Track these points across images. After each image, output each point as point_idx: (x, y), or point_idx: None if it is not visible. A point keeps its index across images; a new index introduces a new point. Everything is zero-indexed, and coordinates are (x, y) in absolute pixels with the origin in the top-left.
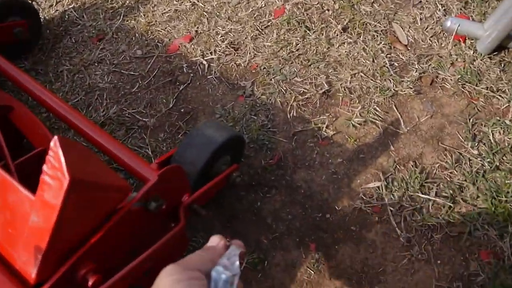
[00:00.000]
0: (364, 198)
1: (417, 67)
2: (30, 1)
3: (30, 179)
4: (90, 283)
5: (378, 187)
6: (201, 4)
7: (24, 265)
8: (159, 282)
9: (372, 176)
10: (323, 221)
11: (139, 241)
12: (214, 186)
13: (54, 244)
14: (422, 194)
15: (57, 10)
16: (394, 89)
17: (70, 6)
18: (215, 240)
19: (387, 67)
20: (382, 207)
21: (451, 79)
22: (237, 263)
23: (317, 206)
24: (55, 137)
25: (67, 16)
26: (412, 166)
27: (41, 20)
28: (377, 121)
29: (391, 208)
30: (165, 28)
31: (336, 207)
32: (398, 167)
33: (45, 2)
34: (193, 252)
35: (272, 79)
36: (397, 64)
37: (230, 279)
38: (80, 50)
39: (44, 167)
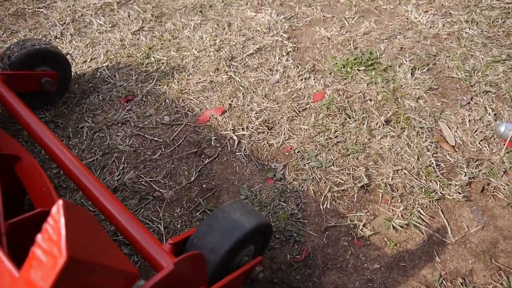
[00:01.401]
0: None
1: (466, 171)
2: (65, 55)
3: (23, 245)
4: None
5: None
6: (238, 79)
7: None
8: None
9: None
10: None
11: None
12: (234, 280)
13: None
14: None
15: (90, 66)
16: (441, 192)
17: (104, 64)
18: None
19: (433, 167)
20: None
21: (504, 188)
22: None
23: None
24: (60, 202)
25: (99, 74)
26: (461, 284)
27: (72, 74)
28: (421, 226)
29: None
30: (198, 97)
31: None
32: (444, 283)
33: (80, 57)
34: None
35: (306, 165)
36: (444, 165)
37: None
38: (106, 109)
39: (38, 238)
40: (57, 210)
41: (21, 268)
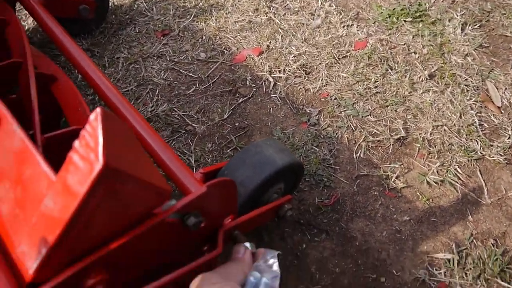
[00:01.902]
0: (430, 269)
1: (510, 133)
2: None
3: (55, 161)
4: None
5: (449, 260)
6: (277, 21)
7: (23, 256)
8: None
9: (442, 246)
10: (376, 285)
11: (162, 259)
12: (262, 214)
13: (65, 240)
14: (502, 281)
15: None
16: (481, 152)
17: None
18: (240, 251)
19: (475, 126)
20: (450, 285)
21: None
22: (276, 264)
23: (371, 265)
24: (98, 109)
25: (136, 6)
26: (493, 245)
27: (110, 4)
28: (457, 184)
29: None
30: (235, 36)
31: (394, 272)
32: (475, 242)
33: None
34: (224, 263)
35: (342, 113)
36: (487, 126)
37: (271, 283)
38: (142, 41)
39: (76, 143)
40: (95, 117)
41: (58, 172)
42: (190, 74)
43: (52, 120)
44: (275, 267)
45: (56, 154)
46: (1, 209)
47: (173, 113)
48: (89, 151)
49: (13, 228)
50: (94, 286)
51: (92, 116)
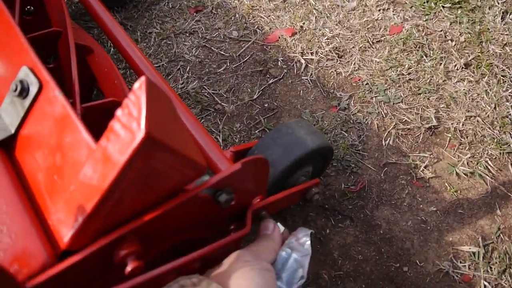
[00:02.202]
0: (454, 261)
1: None
2: None
3: (92, 131)
4: (129, 268)
5: (474, 253)
6: (312, 1)
7: (59, 223)
8: (234, 264)
9: (468, 238)
10: (398, 274)
11: (191, 235)
12: (290, 196)
13: (103, 209)
14: None
15: None
16: None
17: None
18: (269, 227)
19: (509, 119)
20: (474, 278)
21: None
22: (308, 242)
23: (395, 254)
24: (142, 78)
25: None
26: None
27: None
28: (487, 177)
29: (486, 283)
30: (268, 16)
31: (418, 262)
32: (502, 236)
33: None
34: (256, 241)
35: (374, 98)
36: None
37: (301, 260)
38: (175, 17)
39: (118, 112)
40: (140, 85)
41: (98, 140)
42: (222, 52)
43: (85, 92)
44: (307, 245)
45: (92, 125)
46: (40, 176)
47: (203, 91)
48: (131, 120)
49: (50, 194)
50: (126, 256)
51: (136, 85)
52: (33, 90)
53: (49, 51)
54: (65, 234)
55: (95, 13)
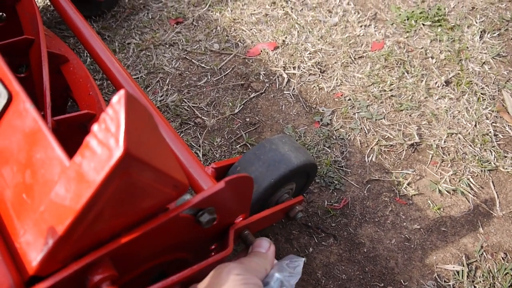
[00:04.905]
0: (439, 280)
1: None
2: None
3: (64, 146)
4: None
5: (458, 272)
6: (294, 16)
7: (27, 246)
8: (224, 278)
9: (452, 257)
10: None
11: (171, 256)
12: (273, 215)
13: (76, 231)
14: None
15: None
16: (494, 163)
17: None
18: (265, 246)
19: (490, 136)
20: None
21: None
22: (300, 268)
23: (379, 273)
24: (122, 91)
25: None
26: (503, 258)
27: None
28: (469, 194)
29: None
30: (250, 29)
31: (402, 282)
32: (485, 255)
33: None
34: (247, 256)
35: (356, 114)
36: (502, 136)
37: (288, 280)
38: (155, 28)
39: (95, 127)
40: (119, 99)
41: (72, 157)
42: (202, 65)
43: (59, 104)
44: (298, 269)
45: (64, 139)
46: (7, 194)
47: (182, 104)
48: (109, 136)
49: (18, 215)
50: (100, 282)
51: (115, 98)
52: (1, 101)
53: (21, 59)
54: (33, 258)
55: (71, 22)
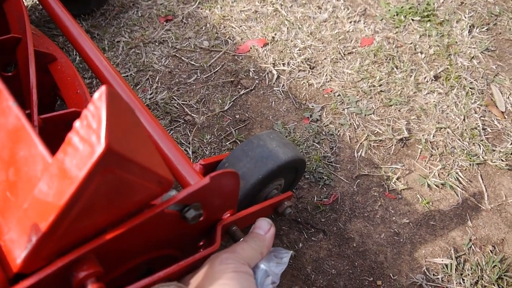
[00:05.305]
0: (427, 273)
1: None
2: None
3: (50, 145)
4: None
5: (447, 265)
6: (284, 12)
7: (11, 244)
8: (216, 268)
9: (441, 250)
10: None
11: (156, 253)
12: (261, 210)
13: (59, 227)
14: None
15: None
16: (483, 157)
17: None
18: (264, 227)
19: (478, 130)
20: None
21: None
22: (287, 258)
23: (368, 268)
24: (103, 87)
25: None
26: (491, 251)
27: None
28: (458, 188)
29: None
30: (240, 26)
31: (391, 275)
32: (473, 248)
33: None
34: (243, 241)
35: (345, 110)
36: (490, 130)
37: (273, 269)
38: (144, 26)
39: (76, 123)
40: (100, 96)
41: (55, 154)
42: (192, 62)
43: (47, 102)
44: (285, 259)
45: (51, 137)
46: None
47: (172, 101)
48: (90, 132)
49: (2, 213)
50: (85, 279)
51: (96, 95)
52: None
53: (9, 58)
54: (17, 255)
55: (60, 20)
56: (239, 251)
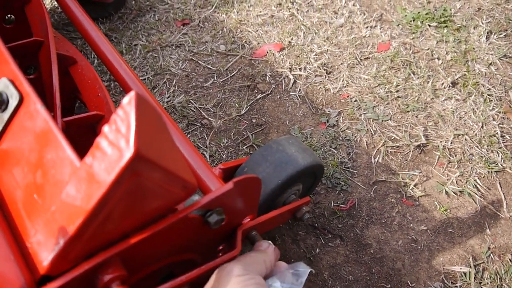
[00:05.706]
0: (446, 281)
1: None
2: None
3: (73, 147)
4: None
5: (465, 273)
6: (300, 17)
7: (38, 246)
8: (227, 280)
9: (459, 258)
10: None
11: (180, 257)
12: (280, 215)
13: (86, 231)
14: None
15: None
16: (501, 165)
17: None
18: (264, 246)
19: (497, 138)
20: None
21: None
22: (303, 280)
23: (386, 275)
24: (133, 92)
25: None
26: (510, 260)
27: None
28: (476, 196)
29: None
30: (256, 30)
31: (409, 283)
32: (492, 256)
33: None
34: (249, 253)
35: (362, 115)
36: (509, 138)
37: None
38: (161, 30)
39: (105, 128)
40: (129, 101)
41: (83, 158)
42: (209, 66)
43: (67, 105)
44: (302, 280)
45: (73, 140)
46: (18, 194)
47: (189, 105)
48: (119, 137)
49: (29, 215)
50: (110, 282)
51: (125, 100)
52: (13, 103)
53: (30, 61)
54: (44, 258)
55: (79, 24)
56: (243, 259)
